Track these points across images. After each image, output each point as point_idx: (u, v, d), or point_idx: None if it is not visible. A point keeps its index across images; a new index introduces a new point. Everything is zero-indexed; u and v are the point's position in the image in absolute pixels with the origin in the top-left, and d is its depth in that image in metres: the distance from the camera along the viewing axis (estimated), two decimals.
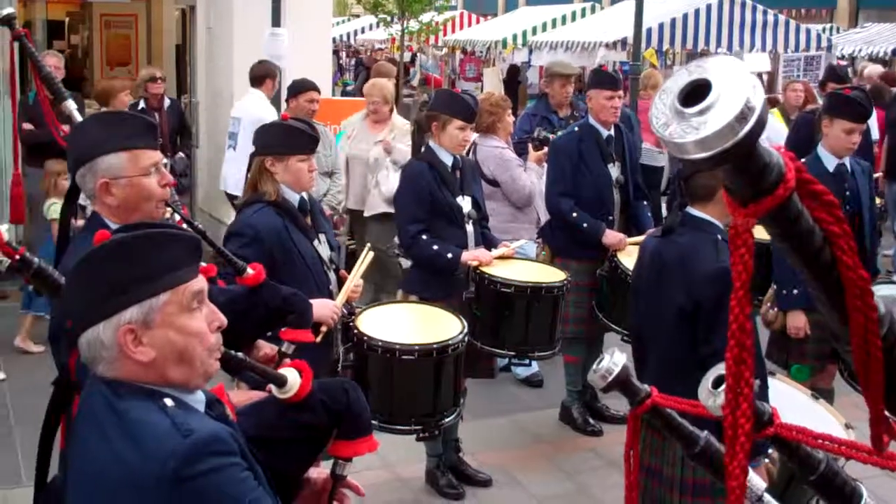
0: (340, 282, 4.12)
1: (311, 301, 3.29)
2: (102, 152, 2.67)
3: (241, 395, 2.53)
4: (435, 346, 4.02)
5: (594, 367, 1.86)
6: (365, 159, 7.17)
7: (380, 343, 3.98)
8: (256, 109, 7.44)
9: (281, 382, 2.24)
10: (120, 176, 2.68)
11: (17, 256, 2.28)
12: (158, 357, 1.78)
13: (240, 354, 2.26)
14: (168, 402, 1.77)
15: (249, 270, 3.03)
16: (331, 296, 3.99)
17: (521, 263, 5.13)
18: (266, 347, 3.11)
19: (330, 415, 2.27)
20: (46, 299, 2.53)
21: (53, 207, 6.97)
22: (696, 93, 1.00)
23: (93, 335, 1.78)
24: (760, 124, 0.95)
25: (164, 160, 3.15)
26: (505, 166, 6.26)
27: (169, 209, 2.92)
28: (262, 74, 7.68)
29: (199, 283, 1.85)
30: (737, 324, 1.08)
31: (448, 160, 4.96)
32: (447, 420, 4.17)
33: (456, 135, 4.89)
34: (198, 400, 1.88)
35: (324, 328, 3.64)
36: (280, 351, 3.09)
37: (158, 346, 1.78)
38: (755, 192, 1.01)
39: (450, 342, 4.05)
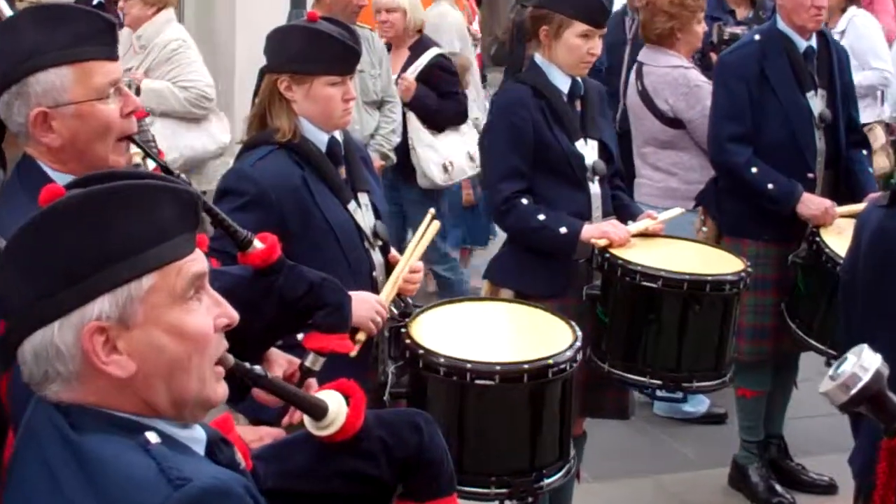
0: (390, 267, 4.12)
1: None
2: (36, 67, 2.68)
3: (249, 432, 2.67)
4: (526, 366, 3.90)
5: (831, 371, 1.86)
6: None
7: (442, 360, 3.89)
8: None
9: (319, 412, 2.30)
10: (63, 102, 2.70)
11: None
12: (140, 371, 1.80)
13: (257, 368, 2.31)
14: (151, 437, 1.79)
15: (257, 244, 3.05)
16: (373, 286, 4.00)
17: (673, 244, 5.10)
18: (282, 360, 3.15)
19: (392, 463, 2.35)
20: None
21: None
22: None
23: (43, 340, 1.79)
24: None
25: (127, 78, 3.13)
26: (692, 96, 6.29)
27: (137, 151, 3.04)
28: None
29: (199, 260, 1.89)
30: None
31: (564, 84, 4.92)
32: (548, 481, 4.06)
33: (577, 46, 4.85)
34: (195, 438, 1.92)
35: (361, 335, 3.66)
36: (303, 366, 3.13)
37: (140, 355, 1.81)
38: None
39: (552, 361, 3.93)
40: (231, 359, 1.99)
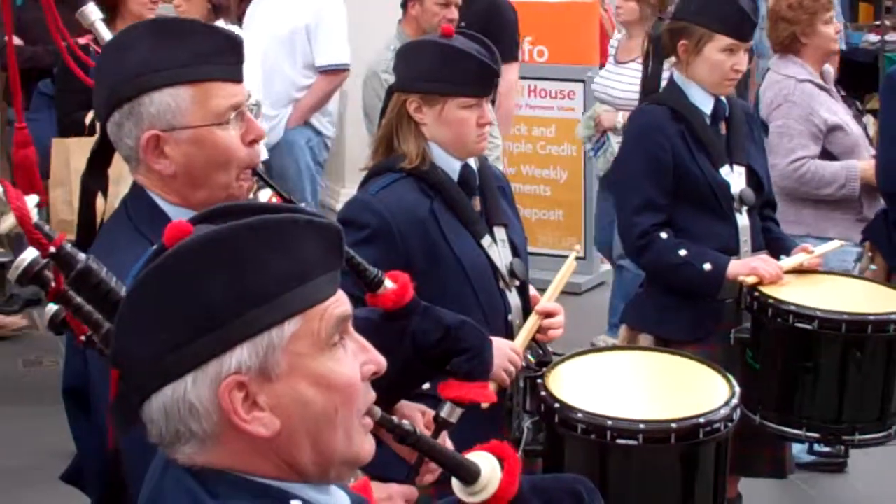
0: (529, 311, 4.07)
1: None
2: (151, 85, 2.65)
3: (377, 489, 2.64)
4: (674, 425, 3.77)
5: None
6: None
7: (581, 415, 3.80)
8: None
9: (471, 476, 2.30)
10: (179, 125, 2.67)
11: (53, 248, 2.19)
12: (284, 429, 1.78)
13: (406, 423, 2.34)
14: None
15: (388, 283, 3.04)
16: (509, 331, 3.96)
17: (833, 281, 5.02)
18: (413, 411, 3.15)
19: None
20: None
21: None
22: None
23: (174, 396, 1.76)
24: None
25: (253, 100, 3.16)
26: (781, 108, 6.15)
27: (256, 182, 2.96)
28: None
29: (343, 302, 1.86)
30: None
31: (706, 105, 4.87)
32: None
33: (719, 62, 4.79)
34: None
35: (492, 386, 3.59)
36: (438, 417, 3.10)
37: (284, 411, 1.78)
38: None
39: (703, 420, 3.82)
40: (378, 411, 1.98)
